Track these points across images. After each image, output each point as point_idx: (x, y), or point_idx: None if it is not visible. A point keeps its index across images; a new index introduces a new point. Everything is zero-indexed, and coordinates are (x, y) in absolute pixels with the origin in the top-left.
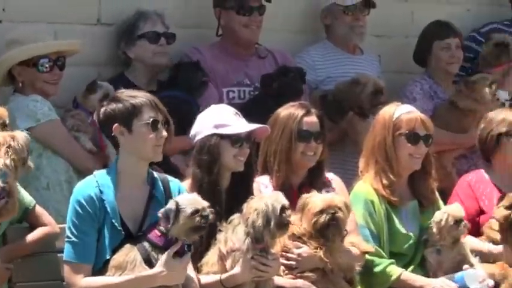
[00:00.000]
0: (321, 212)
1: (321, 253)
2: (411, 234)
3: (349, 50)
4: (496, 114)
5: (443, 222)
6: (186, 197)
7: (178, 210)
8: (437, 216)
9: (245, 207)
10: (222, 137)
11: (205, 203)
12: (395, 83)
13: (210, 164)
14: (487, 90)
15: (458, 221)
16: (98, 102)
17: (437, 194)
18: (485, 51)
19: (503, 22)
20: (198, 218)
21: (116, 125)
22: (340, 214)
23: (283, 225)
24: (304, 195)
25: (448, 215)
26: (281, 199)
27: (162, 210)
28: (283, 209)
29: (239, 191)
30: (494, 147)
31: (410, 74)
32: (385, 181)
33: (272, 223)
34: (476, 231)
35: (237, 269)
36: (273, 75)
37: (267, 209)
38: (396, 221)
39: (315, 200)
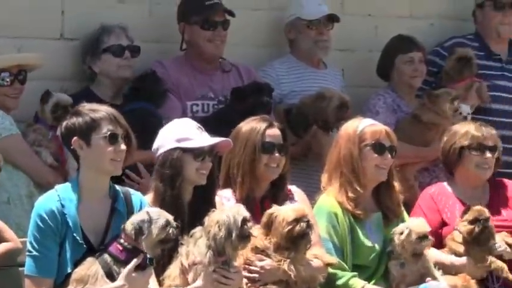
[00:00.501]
0: (296, 220)
1: (285, 266)
2: (375, 246)
3: (313, 64)
4: (459, 128)
5: (403, 237)
6: (154, 209)
7: (150, 221)
8: (399, 229)
9: (207, 220)
10: (184, 150)
11: (170, 216)
12: (358, 97)
13: (172, 178)
14: (448, 105)
15: (421, 237)
16: (49, 112)
17: (402, 206)
18: (448, 66)
19: (466, 36)
20: (170, 230)
21: (75, 138)
22: (312, 222)
23: (244, 237)
24: (269, 211)
25: (410, 230)
26: (242, 211)
27: (132, 222)
28: (244, 221)
29: (201, 205)
30: (456, 160)
31: (374, 88)
32: (350, 194)
33: (234, 235)
34: (439, 243)
35: (199, 282)
36: (246, 91)
37: (229, 221)
38: (360, 233)
39: (286, 210)
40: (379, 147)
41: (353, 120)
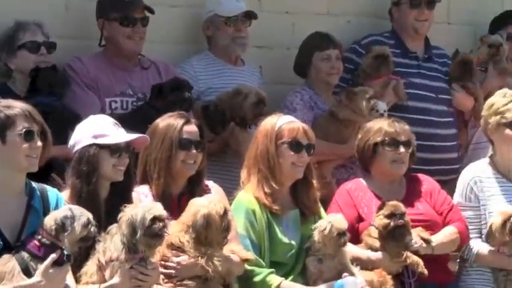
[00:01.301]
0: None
1: (202, 261)
2: (292, 243)
3: (230, 61)
4: (372, 124)
5: (326, 232)
6: (75, 207)
7: (74, 218)
8: (321, 224)
9: (120, 216)
10: (101, 147)
11: (90, 214)
12: (276, 94)
13: (89, 174)
14: (365, 103)
15: (341, 233)
16: None
17: (319, 203)
18: (365, 63)
19: (383, 34)
20: (91, 228)
21: None
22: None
23: (153, 235)
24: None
25: (332, 225)
26: (155, 209)
27: (55, 218)
28: (153, 219)
29: (118, 201)
30: (371, 157)
31: (291, 85)
32: (267, 189)
33: (139, 233)
34: (355, 238)
35: (116, 279)
36: (166, 87)
37: (133, 219)
38: (277, 230)
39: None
40: (295, 145)
41: (272, 117)
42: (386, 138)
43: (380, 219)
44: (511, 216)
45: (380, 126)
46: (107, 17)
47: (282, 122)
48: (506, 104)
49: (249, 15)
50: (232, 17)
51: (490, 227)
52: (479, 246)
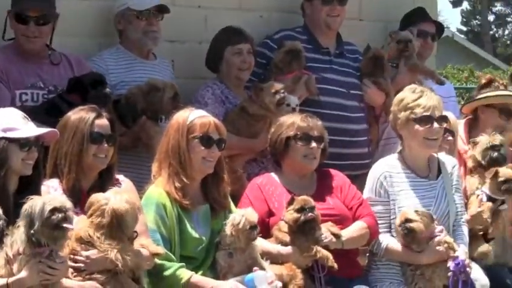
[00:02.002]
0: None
1: (112, 255)
2: (202, 238)
3: (142, 55)
4: (285, 119)
5: (240, 225)
6: None
7: None
8: (235, 218)
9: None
10: (10, 140)
11: None
12: (188, 88)
13: None
14: (270, 98)
15: (253, 227)
16: None
17: (229, 198)
18: (277, 58)
19: (295, 29)
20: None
21: None
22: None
23: (52, 226)
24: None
25: (245, 218)
26: (56, 201)
27: None
28: (53, 210)
29: (27, 195)
30: (283, 151)
31: (203, 79)
32: (177, 184)
33: (36, 224)
34: (266, 232)
35: (23, 273)
36: (85, 82)
37: (31, 210)
38: (188, 225)
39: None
40: (206, 140)
41: (183, 111)
42: (299, 133)
43: (290, 214)
44: (406, 218)
45: (293, 120)
46: (10, 11)
47: (193, 117)
48: (416, 100)
49: (161, 9)
50: (144, 10)
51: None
52: (388, 240)
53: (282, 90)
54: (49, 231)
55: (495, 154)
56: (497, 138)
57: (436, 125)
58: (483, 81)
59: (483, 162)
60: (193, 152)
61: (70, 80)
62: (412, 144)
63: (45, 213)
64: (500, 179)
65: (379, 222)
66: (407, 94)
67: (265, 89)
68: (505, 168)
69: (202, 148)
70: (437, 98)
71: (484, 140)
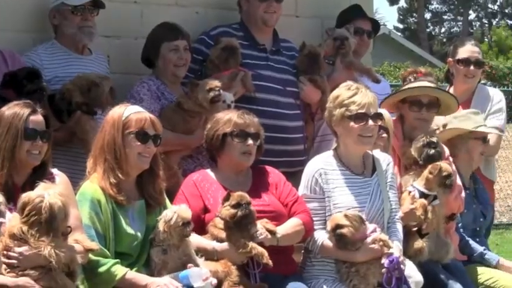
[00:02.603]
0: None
1: (45, 252)
2: (137, 234)
3: (77, 50)
4: (222, 115)
5: (172, 222)
6: None
7: None
8: (167, 214)
9: None
10: None
11: None
12: (123, 83)
13: None
14: (203, 95)
15: (185, 223)
16: None
17: (165, 194)
18: (214, 55)
19: (232, 26)
20: None
21: None
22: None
23: None
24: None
25: (178, 215)
26: None
27: None
28: None
29: None
30: (220, 147)
31: (139, 75)
32: (112, 180)
33: None
34: (201, 229)
35: None
36: (20, 76)
37: None
38: (123, 221)
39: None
40: (142, 136)
41: (119, 107)
42: (235, 130)
43: (227, 210)
44: (337, 224)
45: (229, 117)
46: None
47: (129, 112)
48: (351, 97)
49: (96, 5)
50: (79, 6)
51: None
52: (323, 237)
53: (217, 88)
54: None
55: (432, 151)
56: (434, 136)
57: (370, 122)
58: (403, 74)
59: (419, 159)
60: (129, 147)
61: (5, 75)
62: (347, 141)
63: None
64: (444, 173)
65: (314, 219)
66: (343, 91)
67: (200, 85)
68: (445, 164)
69: (138, 143)
70: (372, 95)
71: (420, 137)
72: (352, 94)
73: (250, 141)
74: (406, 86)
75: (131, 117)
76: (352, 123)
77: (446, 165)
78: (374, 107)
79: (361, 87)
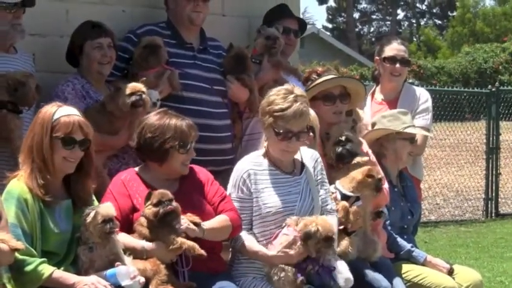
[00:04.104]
0: None
1: None
2: (64, 233)
3: (3, 48)
4: (166, 122)
5: (90, 219)
6: None
7: None
8: (86, 213)
9: None
10: None
11: None
12: (49, 82)
13: None
14: (127, 99)
15: (106, 220)
16: None
17: (93, 195)
18: (137, 53)
19: (158, 24)
20: None
21: None
22: None
23: None
24: None
25: (97, 212)
26: None
27: None
28: None
29: None
30: (162, 157)
31: (64, 73)
32: (40, 180)
33: None
34: (130, 228)
35: None
36: None
37: None
38: (49, 220)
39: None
40: (68, 141)
41: (51, 107)
42: (181, 141)
43: (149, 209)
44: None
45: (175, 126)
46: None
47: (59, 115)
48: (284, 110)
49: (25, 3)
50: (12, 3)
51: None
52: (245, 238)
53: (139, 92)
54: None
55: (339, 149)
56: (344, 133)
57: (294, 140)
58: (304, 75)
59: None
60: (55, 151)
61: None
62: (273, 146)
63: None
64: (378, 176)
65: (243, 219)
66: (278, 100)
67: (122, 89)
68: (373, 168)
69: (64, 149)
70: (305, 109)
71: (332, 134)
72: (286, 107)
73: (192, 151)
74: (317, 82)
75: (60, 120)
76: (277, 137)
77: (377, 169)
78: (304, 121)
79: (299, 98)
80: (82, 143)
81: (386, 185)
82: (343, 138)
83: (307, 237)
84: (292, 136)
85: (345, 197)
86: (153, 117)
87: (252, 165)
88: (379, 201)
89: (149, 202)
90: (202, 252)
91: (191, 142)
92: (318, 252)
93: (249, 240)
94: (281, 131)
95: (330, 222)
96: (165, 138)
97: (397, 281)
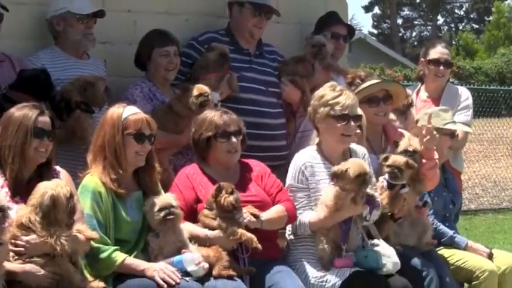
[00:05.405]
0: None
1: (50, 240)
2: (135, 222)
3: (77, 55)
4: (203, 118)
5: (147, 208)
6: None
7: None
8: (146, 202)
9: None
10: None
11: None
12: (119, 85)
13: None
14: (195, 100)
15: (162, 208)
16: None
17: (159, 185)
18: (210, 59)
19: (218, 32)
20: None
21: None
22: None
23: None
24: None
25: (154, 201)
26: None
27: None
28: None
29: None
30: (206, 149)
31: (133, 77)
32: (113, 176)
33: None
34: (194, 218)
35: None
36: (46, 81)
37: None
38: (122, 210)
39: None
40: (139, 136)
41: (118, 107)
42: (218, 131)
43: (225, 198)
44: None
45: (210, 120)
46: None
47: (127, 113)
48: (335, 98)
49: (97, 14)
50: (84, 15)
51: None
52: (309, 216)
53: (206, 93)
54: None
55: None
56: (413, 145)
57: (352, 123)
58: (347, 80)
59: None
60: (127, 147)
61: (20, 78)
62: (328, 138)
63: None
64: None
65: (299, 207)
66: (328, 91)
67: (191, 90)
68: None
69: (136, 144)
70: (354, 97)
71: (401, 144)
72: (337, 95)
73: (233, 140)
74: (362, 86)
75: (129, 118)
76: (335, 123)
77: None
78: (355, 108)
79: (344, 89)
80: (150, 138)
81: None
82: (410, 149)
83: (334, 176)
84: (349, 119)
85: (390, 186)
86: (199, 117)
87: (308, 158)
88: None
89: (223, 193)
90: (259, 246)
91: (233, 132)
92: (355, 190)
93: (312, 215)
94: (339, 114)
95: (362, 162)
96: (202, 130)
97: (446, 270)
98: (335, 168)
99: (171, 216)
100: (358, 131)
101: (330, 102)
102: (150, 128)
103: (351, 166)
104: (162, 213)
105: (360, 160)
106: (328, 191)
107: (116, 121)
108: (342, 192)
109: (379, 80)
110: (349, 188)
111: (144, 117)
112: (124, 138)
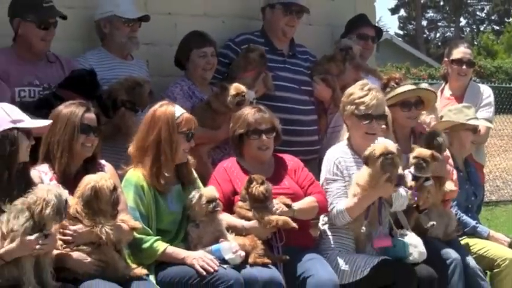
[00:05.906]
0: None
1: (96, 230)
2: (175, 213)
3: (122, 56)
4: (239, 114)
5: (194, 200)
6: None
7: None
8: (192, 195)
9: (31, 194)
10: (20, 130)
11: None
12: (160, 84)
13: (11, 154)
14: (233, 99)
15: (209, 201)
16: None
17: (195, 173)
18: (252, 58)
19: (254, 33)
20: None
21: None
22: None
23: (64, 214)
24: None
25: (201, 194)
26: (64, 192)
27: None
28: (66, 201)
29: (19, 178)
30: (240, 144)
31: (174, 77)
32: (156, 171)
33: (63, 214)
34: (231, 209)
35: (13, 245)
36: (93, 81)
37: (57, 203)
38: (162, 202)
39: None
40: (190, 135)
41: (167, 105)
42: (250, 129)
43: (256, 188)
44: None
45: (243, 117)
46: (23, 18)
47: (179, 113)
48: (361, 97)
49: (142, 18)
50: (131, 18)
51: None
52: (343, 203)
53: (243, 93)
54: (54, 217)
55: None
56: (439, 140)
57: (374, 122)
58: (383, 82)
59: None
60: (179, 145)
61: (72, 77)
62: (355, 133)
63: (64, 204)
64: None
65: (339, 196)
66: (357, 90)
67: (229, 89)
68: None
69: (185, 142)
70: (381, 96)
71: (427, 136)
72: (364, 95)
73: (264, 137)
74: (397, 91)
75: (182, 117)
76: (359, 121)
77: (419, 150)
78: (381, 107)
79: (373, 88)
80: (193, 136)
81: (455, 175)
82: (435, 143)
83: (365, 160)
84: (372, 118)
85: (415, 178)
86: (235, 114)
87: (340, 153)
88: (450, 194)
89: (254, 184)
90: (294, 225)
91: (264, 130)
92: (383, 169)
93: (347, 202)
94: (362, 114)
95: (387, 142)
96: (236, 127)
97: (469, 258)
98: (366, 151)
99: (218, 209)
100: (384, 125)
101: (356, 101)
102: (195, 126)
103: (377, 147)
104: (211, 206)
105: (387, 140)
106: (361, 172)
107: (170, 119)
108: (378, 172)
109: (414, 87)
110: (379, 166)
111: (191, 116)
112: (177, 137)
